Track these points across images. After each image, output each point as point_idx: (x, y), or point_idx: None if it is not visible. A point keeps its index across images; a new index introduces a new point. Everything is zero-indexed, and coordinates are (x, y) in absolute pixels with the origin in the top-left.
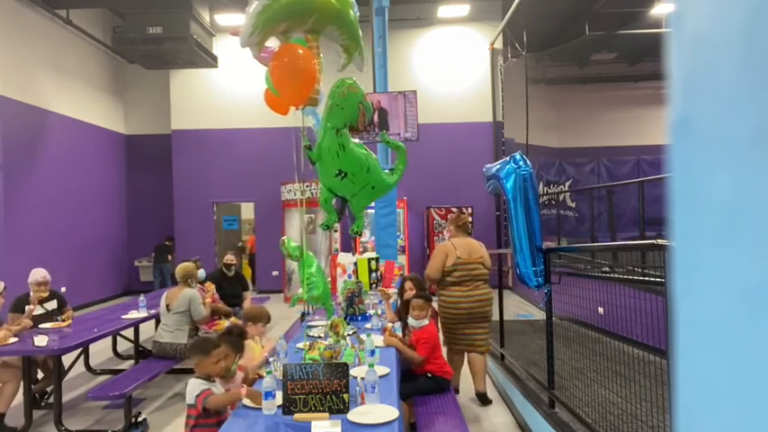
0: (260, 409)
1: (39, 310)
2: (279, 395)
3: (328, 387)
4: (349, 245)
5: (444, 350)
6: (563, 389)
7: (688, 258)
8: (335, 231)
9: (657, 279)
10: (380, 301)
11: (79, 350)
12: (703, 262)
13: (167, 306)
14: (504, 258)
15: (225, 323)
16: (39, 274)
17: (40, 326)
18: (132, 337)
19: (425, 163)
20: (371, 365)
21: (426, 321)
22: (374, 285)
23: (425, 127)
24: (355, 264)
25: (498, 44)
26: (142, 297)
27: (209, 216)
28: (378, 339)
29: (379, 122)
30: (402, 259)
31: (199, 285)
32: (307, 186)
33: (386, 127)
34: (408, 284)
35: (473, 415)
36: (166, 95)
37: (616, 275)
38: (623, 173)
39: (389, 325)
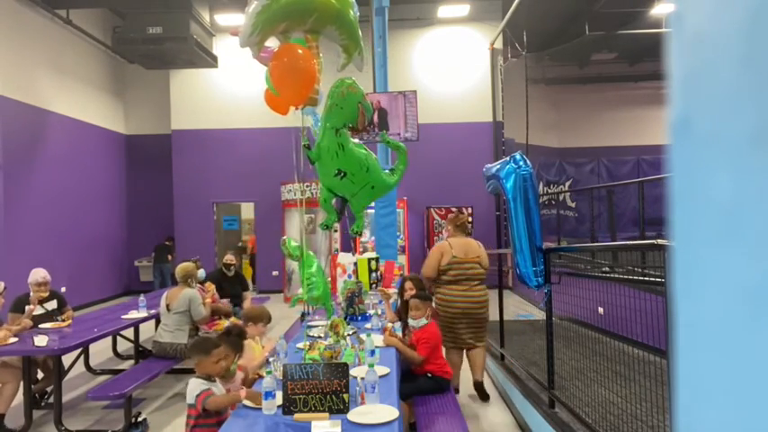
0: (260, 409)
1: (39, 310)
2: (279, 395)
3: (328, 387)
4: (349, 245)
5: (443, 349)
6: (563, 389)
7: (688, 258)
8: (335, 231)
9: (657, 279)
10: (380, 301)
11: (79, 350)
12: (703, 262)
13: (167, 306)
14: (504, 258)
15: (225, 323)
16: (39, 274)
17: (40, 326)
18: (132, 337)
19: (425, 163)
20: (371, 365)
21: (425, 321)
22: (374, 285)
23: (425, 127)
24: (355, 264)
25: (498, 44)
26: (142, 297)
27: (209, 216)
28: (378, 339)
29: (379, 122)
30: (402, 259)
31: (199, 285)
32: (307, 186)
33: (386, 127)
34: (408, 284)
35: (473, 415)
36: (166, 95)
37: (616, 275)
38: (623, 173)
39: (389, 325)
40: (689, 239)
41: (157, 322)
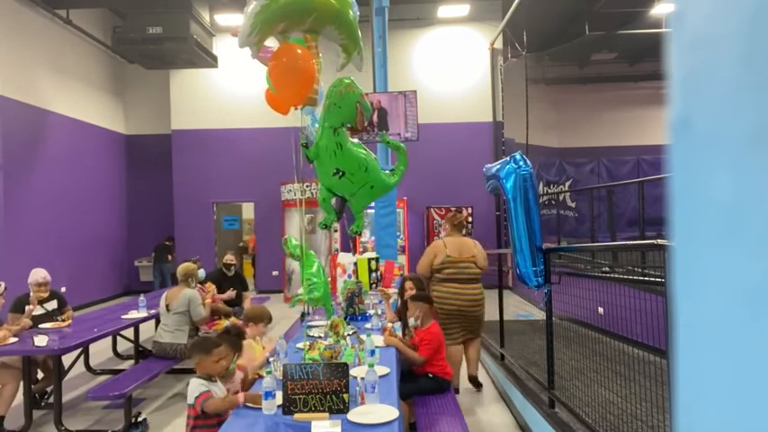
0: (260, 409)
1: (39, 311)
2: (279, 395)
3: (328, 387)
4: (349, 245)
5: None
6: (563, 389)
7: (688, 258)
8: (335, 231)
9: (657, 279)
10: (380, 301)
11: (79, 350)
12: (703, 262)
13: (167, 306)
14: (504, 258)
15: (225, 323)
16: (39, 274)
17: (40, 326)
18: (132, 337)
19: (425, 163)
20: (371, 365)
21: (414, 321)
22: (374, 285)
23: (425, 127)
24: (355, 264)
25: (498, 44)
26: (142, 297)
27: (209, 216)
28: (378, 339)
29: (379, 122)
30: (402, 259)
31: (199, 286)
32: (307, 186)
33: (386, 127)
34: (408, 284)
35: (473, 415)
36: (166, 95)
37: (616, 275)
38: (623, 173)
39: (389, 325)
40: (689, 239)
41: (157, 322)
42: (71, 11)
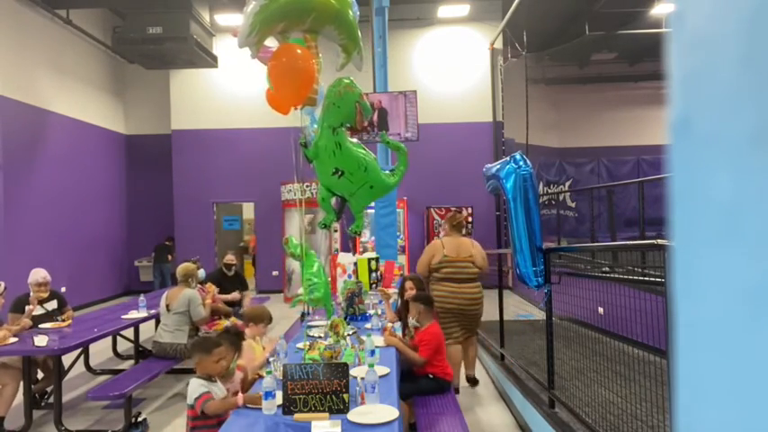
0: (260, 409)
1: (39, 311)
2: (279, 395)
3: (328, 387)
4: (348, 245)
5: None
6: (563, 389)
7: (688, 258)
8: (335, 231)
9: (657, 279)
10: (380, 301)
11: (79, 350)
12: (703, 262)
13: (167, 306)
14: (504, 258)
15: (225, 323)
16: (39, 274)
17: (40, 326)
18: (132, 337)
19: (425, 163)
20: (371, 365)
21: (414, 322)
22: (374, 285)
23: (425, 127)
24: (355, 264)
25: (498, 44)
26: (142, 297)
27: (209, 216)
28: (378, 339)
29: (380, 122)
30: (402, 259)
31: (199, 286)
32: (306, 186)
33: (386, 127)
34: (409, 284)
35: (473, 415)
36: (166, 95)
37: (616, 275)
38: (623, 173)
39: (389, 325)
40: (689, 239)
41: (157, 322)
42: (71, 11)
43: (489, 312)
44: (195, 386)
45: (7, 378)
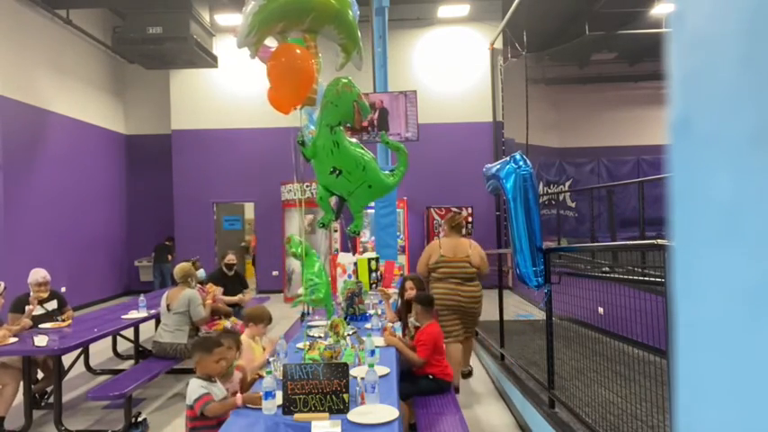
0: (260, 409)
1: (39, 311)
2: (279, 395)
3: (328, 387)
4: (348, 245)
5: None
6: (563, 389)
7: (688, 258)
8: (335, 231)
9: (657, 279)
10: (380, 301)
11: (79, 350)
12: (703, 262)
13: (168, 306)
14: (504, 258)
15: (225, 323)
16: (39, 274)
17: (40, 326)
18: (132, 337)
19: (425, 163)
20: (371, 365)
21: (414, 321)
22: (374, 285)
23: (425, 127)
24: (355, 264)
25: (498, 44)
26: (142, 297)
27: (209, 216)
28: (378, 339)
29: (380, 122)
30: (402, 259)
31: (199, 286)
32: (306, 186)
33: (386, 127)
34: (409, 284)
35: (473, 415)
36: (166, 95)
37: (616, 275)
38: (623, 173)
39: (389, 325)
40: (689, 239)
41: (157, 322)
42: (71, 11)
43: (489, 312)
44: (195, 387)
45: (7, 378)
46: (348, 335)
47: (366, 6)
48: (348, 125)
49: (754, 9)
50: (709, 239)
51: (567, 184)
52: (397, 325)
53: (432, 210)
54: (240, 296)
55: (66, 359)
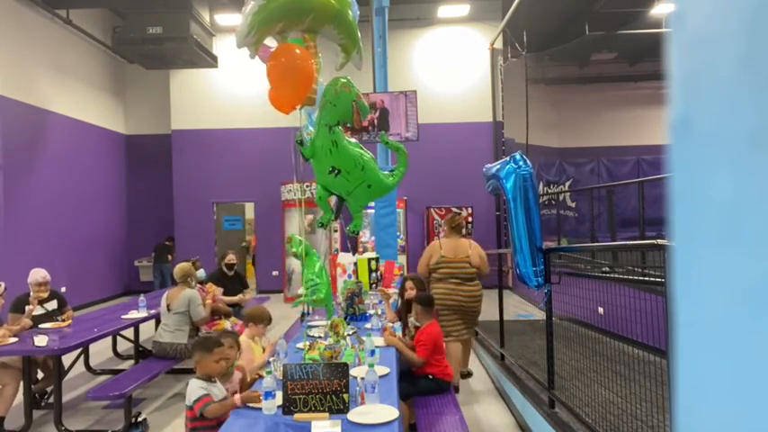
0: (260, 409)
1: (39, 311)
2: (279, 395)
3: (328, 387)
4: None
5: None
6: (563, 389)
7: (688, 258)
8: (335, 231)
9: (657, 279)
10: (380, 301)
11: (79, 350)
12: (703, 262)
13: (168, 306)
14: (504, 258)
15: (225, 323)
16: (39, 274)
17: (40, 326)
18: (132, 337)
19: (425, 163)
20: (371, 365)
21: (415, 322)
22: (374, 285)
23: (425, 127)
24: (355, 264)
25: (498, 44)
26: (142, 297)
27: (209, 216)
28: (378, 339)
29: (381, 122)
30: (402, 259)
31: (199, 286)
32: (306, 186)
33: (386, 127)
34: (409, 284)
35: (473, 415)
36: (166, 95)
37: (616, 275)
38: (623, 173)
39: (389, 325)
40: (689, 239)
41: (157, 322)
42: (71, 11)
43: (489, 312)
44: (194, 388)
45: (7, 378)
46: (348, 335)
47: (366, 6)
48: (347, 125)
49: (754, 9)
50: (710, 239)
51: (567, 184)
52: (397, 325)
53: (432, 210)
54: (240, 296)
55: (67, 359)
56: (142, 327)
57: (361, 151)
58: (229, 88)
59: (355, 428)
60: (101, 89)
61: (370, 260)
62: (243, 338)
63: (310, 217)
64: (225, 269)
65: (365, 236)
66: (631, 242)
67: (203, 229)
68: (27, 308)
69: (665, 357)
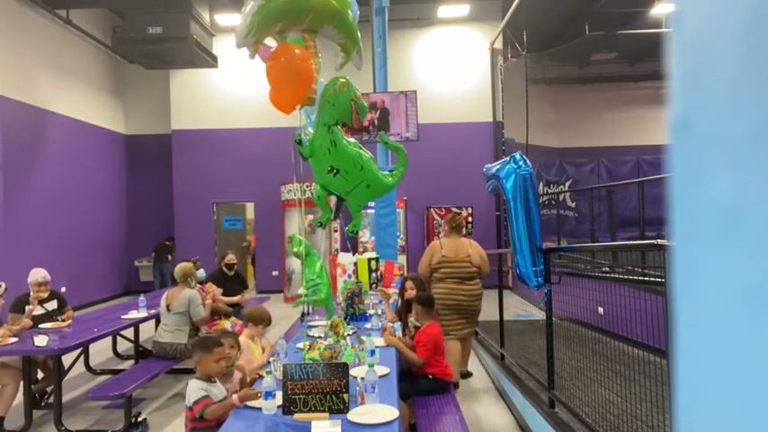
0: (260, 409)
1: (39, 310)
2: (279, 395)
3: (328, 387)
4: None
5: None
6: (563, 389)
7: (688, 258)
8: (335, 231)
9: (657, 279)
10: (380, 301)
11: (79, 350)
12: (703, 262)
13: (167, 306)
14: (504, 258)
15: (225, 323)
16: (39, 274)
17: (40, 326)
18: (132, 337)
19: (425, 163)
20: (371, 365)
21: (415, 322)
22: (374, 285)
23: (425, 127)
24: (355, 264)
25: (498, 44)
26: (142, 297)
27: (209, 216)
28: (378, 339)
29: (381, 122)
30: (402, 259)
31: (199, 286)
32: (307, 186)
33: (387, 127)
34: (409, 284)
35: (473, 415)
36: (166, 95)
37: (616, 275)
38: (623, 173)
39: (389, 325)
40: (689, 239)
41: (157, 322)
42: (71, 11)
43: (489, 312)
44: (194, 388)
45: (7, 378)
46: (348, 335)
47: (366, 6)
48: (346, 125)
49: (754, 9)
50: (710, 239)
51: (567, 184)
52: (397, 325)
53: (432, 210)
54: (239, 296)
55: (67, 359)
56: (142, 327)
57: (360, 151)
58: (229, 88)
59: (355, 428)
60: (101, 89)
61: (370, 260)
62: (242, 338)
63: (311, 217)
64: (225, 269)
65: (365, 236)
66: (631, 242)
67: (203, 229)
68: (27, 308)
69: (665, 357)
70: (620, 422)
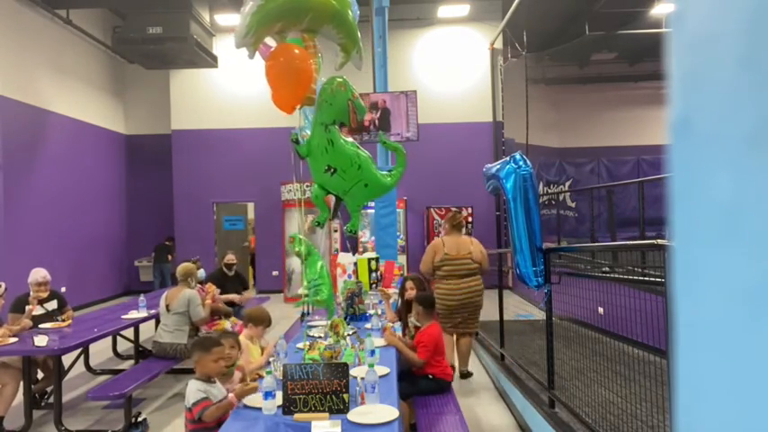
0: (260, 409)
1: (39, 310)
2: (279, 395)
3: (328, 387)
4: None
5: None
6: (563, 389)
7: (688, 258)
8: (335, 231)
9: (657, 279)
10: (380, 301)
11: (79, 350)
12: (703, 262)
13: (167, 306)
14: (504, 258)
15: (225, 323)
16: (39, 274)
17: (40, 326)
18: (132, 337)
19: (425, 163)
20: (371, 365)
21: (415, 322)
22: (374, 285)
23: (425, 127)
24: (355, 264)
25: (498, 44)
26: (142, 297)
27: (209, 216)
28: (378, 339)
29: (382, 122)
30: (402, 259)
31: (199, 286)
32: (306, 186)
33: (387, 127)
34: (409, 284)
35: (473, 415)
36: (166, 95)
37: (616, 275)
38: (623, 173)
39: (389, 325)
40: (689, 239)
41: (157, 322)
42: (71, 11)
43: (489, 312)
44: (193, 390)
45: (7, 378)
46: (348, 335)
47: (366, 6)
48: (345, 124)
49: (754, 9)
50: (710, 239)
51: (567, 184)
52: (397, 325)
53: (432, 210)
54: (235, 295)
55: (67, 359)
56: (142, 327)
57: (358, 150)
58: (229, 88)
59: (355, 428)
60: (101, 89)
61: (370, 260)
62: (241, 338)
63: (311, 217)
64: (225, 269)
65: (365, 236)
66: (631, 242)
67: (203, 229)
68: (27, 308)
69: (665, 357)
70: (620, 422)
